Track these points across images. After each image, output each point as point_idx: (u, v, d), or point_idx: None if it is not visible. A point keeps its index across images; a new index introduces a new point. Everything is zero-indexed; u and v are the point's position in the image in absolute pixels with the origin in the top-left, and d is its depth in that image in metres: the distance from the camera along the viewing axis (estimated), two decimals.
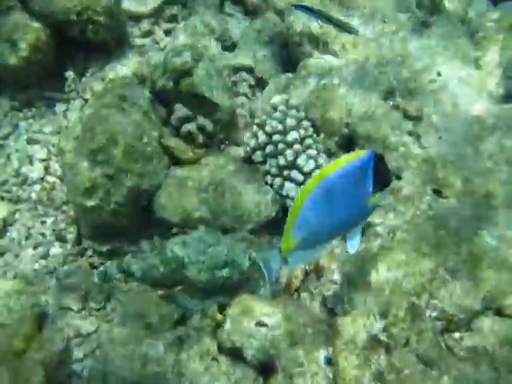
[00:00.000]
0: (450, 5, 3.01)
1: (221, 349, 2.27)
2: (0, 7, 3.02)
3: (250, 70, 3.36)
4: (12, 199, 2.92)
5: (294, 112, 2.57)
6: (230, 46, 3.53)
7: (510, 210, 2.28)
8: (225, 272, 2.34)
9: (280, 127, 2.52)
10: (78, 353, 2.45)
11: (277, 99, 2.63)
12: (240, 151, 2.85)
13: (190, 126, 2.76)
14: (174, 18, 3.86)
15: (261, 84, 3.30)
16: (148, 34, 3.81)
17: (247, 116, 3.09)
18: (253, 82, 3.33)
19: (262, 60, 3.34)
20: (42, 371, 2.08)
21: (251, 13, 3.80)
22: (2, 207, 2.87)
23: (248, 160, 2.78)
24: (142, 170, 2.58)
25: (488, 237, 2.21)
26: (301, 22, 2.94)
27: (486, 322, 2.17)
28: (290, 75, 2.94)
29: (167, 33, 3.82)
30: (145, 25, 3.81)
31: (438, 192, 2.40)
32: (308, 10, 2.54)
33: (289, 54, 3.24)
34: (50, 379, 2.13)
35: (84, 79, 3.42)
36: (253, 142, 2.62)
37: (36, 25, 3.06)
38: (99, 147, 2.50)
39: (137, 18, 3.83)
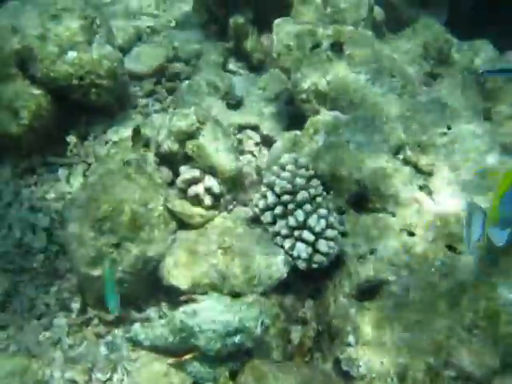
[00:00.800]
0: (458, 55, 3.31)
1: None
2: (0, 75, 3.32)
3: (255, 128, 3.64)
4: (15, 270, 3.14)
5: (303, 171, 2.79)
6: (234, 104, 3.83)
7: None
8: (237, 339, 2.49)
9: (289, 187, 2.74)
10: None
11: (285, 159, 2.86)
12: (248, 211, 3.08)
13: (197, 188, 2.99)
14: (176, 76, 4.18)
15: (267, 141, 3.57)
16: (151, 93, 4.12)
17: (253, 174, 3.33)
18: (259, 140, 3.61)
19: (268, 117, 3.63)
20: None
21: (256, 69, 4.12)
22: (5, 279, 3.09)
23: (256, 221, 2.99)
24: (148, 236, 2.80)
25: (505, 290, 2.40)
26: (308, 79, 3.22)
27: (508, 381, 2.33)
28: (297, 132, 3.19)
29: (170, 91, 4.13)
30: (147, 84, 4.12)
31: (452, 248, 2.61)
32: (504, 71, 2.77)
33: (295, 111, 3.51)
34: None
35: (86, 143, 3.70)
36: (262, 203, 2.84)
37: (37, 92, 3.35)
38: (105, 216, 2.73)
39: (139, 78, 4.14)
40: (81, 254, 2.74)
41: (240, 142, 3.53)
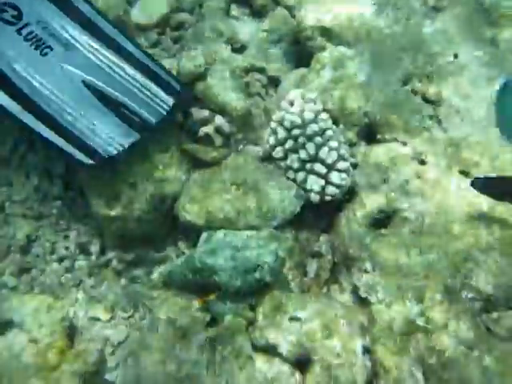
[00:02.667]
0: None
1: (255, 346, 2.31)
2: None
3: (261, 70, 3.44)
4: (34, 216, 3.01)
5: (311, 105, 2.62)
6: (239, 48, 3.62)
7: None
8: (257, 275, 2.37)
9: (299, 121, 2.58)
10: (110, 362, 2.52)
11: (293, 94, 2.69)
12: (259, 150, 2.92)
13: (208, 129, 2.83)
14: (181, 26, 3.96)
15: (274, 83, 3.38)
16: (156, 43, 3.92)
17: (262, 115, 3.16)
18: (266, 82, 3.41)
19: (274, 59, 3.42)
20: (79, 381, 2.16)
21: (259, 14, 3.90)
22: (25, 225, 2.96)
23: (267, 159, 2.84)
24: (163, 175, 2.65)
25: None
26: (312, 16, 3.02)
27: None
28: (304, 70, 3.01)
29: (175, 41, 3.93)
30: (152, 35, 3.91)
31: (464, 173, 2.45)
32: None
33: (301, 50, 3.31)
34: None
35: None
36: (272, 139, 2.68)
37: None
38: None
39: (144, 29, 3.94)
40: (98, 194, 2.57)
41: (247, 84, 3.32)
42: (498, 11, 2.92)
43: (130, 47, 2.63)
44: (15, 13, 2.50)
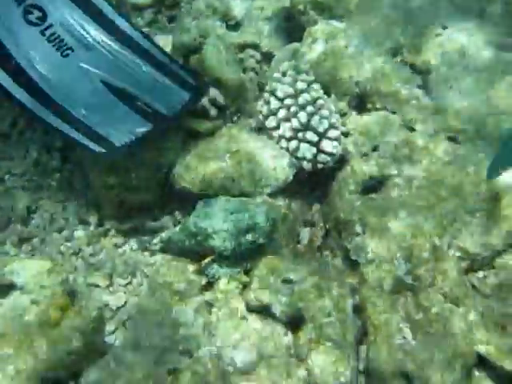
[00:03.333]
0: None
1: (249, 308, 2.36)
2: None
3: (255, 47, 3.50)
4: (33, 188, 3.06)
5: (303, 76, 2.67)
6: (234, 25, 3.66)
7: None
8: (249, 237, 2.41)
9: (291, 91, 2.62)
10: (109, 326, 2.59)
11: (285, 65, 2.74)
12: (253, 122, 2.97)
13: (203, 100, 2.87)
14: (176, 5, 4.00)
15: (268, 59, 3.43)
16: (152, 22, 3.96)
17: (256, 90, 3.21)
18: (260, 58, 3.46)
19: (267, 35, 3.47)
20: (80, 337, 2.22)
21: None
22: (25, 196, 3.01)
23: (261, 130, 2.89)
24: (159, 144, 2.70)
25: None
26: None
27: (510, 260, 2.26)
28: (296, 44, 3.05)
29: (171, 20, 3.97)
30: (148, 14, 3.95)
31: (452, 139, 2.50)
32: None
33: (294, 26, 3.36)
34: (87, 345, 2.26)
35: None
36: (265, 109, 2.73)
37: None
38: None
39: (139, 9, 3.97)
40: (96, 165, 2.61)
41: (241, 60, 3.37)
42: None
43: (147, 45, 2.70)
44: (40, 14, 2.55)
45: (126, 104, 2.60)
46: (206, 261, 2.51)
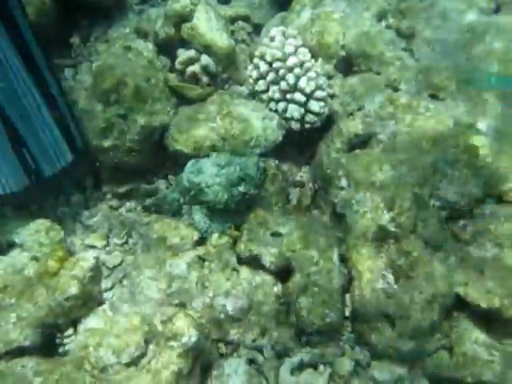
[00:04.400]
0: None
1: (240, 260, 2.49)
2: None
3: (246, 19, 3.62)
4: None
5: (291, 40, 2.79)
6: None
7: (500, 103, 2.51)
8: (241, 188, 2.53)
9: (279, 54, 2.74)
10: (106, 283, 2.70)
11: (274, 31, 2.85)
12: (243, 90, 3.09)
13: (194, 68, 2.99)
14: None
15: (258, 30, 3.55)
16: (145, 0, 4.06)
17: (247, 60, 3.33)
18: (250, 30, 3.58)
19: (258, 7, 3.60)
20: (78, 284, 2.34)
21: None
22: None
23: (252, 96, 3.01)
24: (152, 108, 2.82)
25: (483, 127, 2.43)
26: None
27: (486, 209, 2.38)
28: (284, 13, 3.17)
29: None
30: None
31: (433, 96, 2.62)
32: None
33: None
34: (85, 293, 2.38)
35: (89, 44, 3.67)
36: (255, 73, 2.85)
37: None
38: (110, 88, 2.75)
39: None
40: (91, 127, 2.73)
41: (233, 32, 3.48)
42: None
43: (56, 92, 2.64)
44: None
45: (14, 150, 2.46)
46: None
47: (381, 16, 2.91)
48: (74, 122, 2.71)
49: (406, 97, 2.62)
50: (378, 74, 2.75)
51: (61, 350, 2.32)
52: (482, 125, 2.42)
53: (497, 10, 2.91)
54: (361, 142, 2.67)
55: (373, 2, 2.93)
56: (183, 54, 3.01)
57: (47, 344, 2.32)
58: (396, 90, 2.68)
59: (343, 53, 2.84)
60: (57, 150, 2.62)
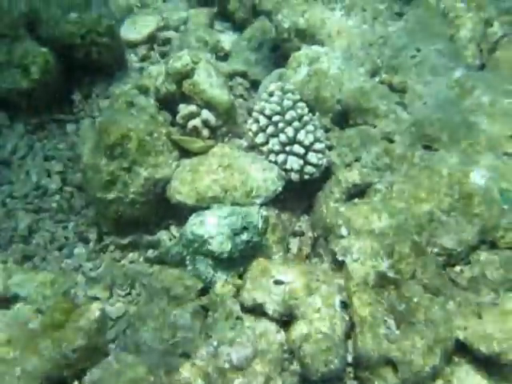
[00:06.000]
0: None
1: (244, 308, 2.55)
2: (10, 36, 3.43)
3: (244, 75, 3.79)
4: (34, 209, 3.26)
5: (289, 95, 2.93)
6: (223, 56, 3.96)
7: (491, 153, 2.64)
8: (244, 236, 2.60)
9: (278, 109, 2.88)
10: (110, 334, 2.75)
11: (273, 86, 3.00)
12: (243, 142, 3.21)
13: (195, 122, 3.12)
14: (167, 42, 4.29)
15: (256, 86, 3.71)
16: (145, 58, 4.23)
17: (245, 114, 3.47)
18: (248, 85, 3.74)
19: (255, 64, 3.77)
20: (84, 336, 2.38)
21: (240, 28, 4.26)
22: (26, 217, 3.21)
23: (251, 149, 3.13)
24: (155, 161, 2.93)
25: (477, 176, 2.55)
26: (288, 20, 3.37)
27: (482, 256, 2.48)
28: (282, 69, 3.33)
29: (163, 55, 4.25)
30: (141, 50, 4.23)
31: (427, 147, 2.75)
32: None
33: (280, 56, 3.65)
34: (91, 345, 2.42)
35: (90, 100, 3.82)
36: (254, 126, 2.97)
37: (44, 49, 3.47)
38: (115, 143, 2.86)
39: (134, 46, 4.26)
40: (96, 180, 2.82)
41: (231, 88, 3.63)
42: (454, 12, 3.27)
43: None
44: None
45: None
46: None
47: (374, 72, 3.06)
48: None
49: (401, 148, 2.74)
50: (374, 126, 2.87)
51: None
52: (475, 174, 2.50)
53: (482, 67, 3.06)
54: (359, 191, 2.75)
55: (366, 59, 3.08)
56: (184, 109, 3.13)
57: None
58: (391, 141, 2.80)
59: (339, 107, 2.96)
60: None
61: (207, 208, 2.82)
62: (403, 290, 2.36)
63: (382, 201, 2.62)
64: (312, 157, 2.83)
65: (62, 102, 3.75)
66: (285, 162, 2.89)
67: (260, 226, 2.56)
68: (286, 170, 2.90)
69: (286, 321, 2.51)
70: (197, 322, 2.58)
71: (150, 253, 2.97)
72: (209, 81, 3.12)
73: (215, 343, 2.47)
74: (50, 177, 3.41)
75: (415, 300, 2.33)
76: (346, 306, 2.51)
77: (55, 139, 3.65)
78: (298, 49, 3.30)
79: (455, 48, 3.17)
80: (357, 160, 2.82)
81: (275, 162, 2.93)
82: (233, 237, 2.56)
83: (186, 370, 2.27)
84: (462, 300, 2.37)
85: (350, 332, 2.48)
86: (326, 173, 2.93)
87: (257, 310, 2.51)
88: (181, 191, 2.87)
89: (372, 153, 2.79)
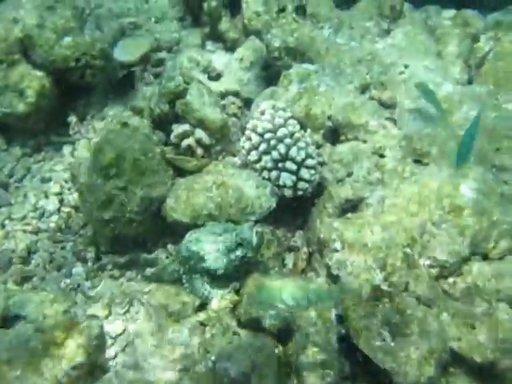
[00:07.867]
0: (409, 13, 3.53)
1: (240, 324, 2.57)
2: (6, 61, 3.48)
3: (236, 94, 3.83)
4: (33, 231, 3.29)
5: (281, 113, 2.97)
6: (215, 76, 4.01)
7: (481, 166, 2.68)
8: (239, 252, 2.62)
9: (270, 126, 2.91)
10: (109, 352, 2.76)
11: (264, 105, 3.04)
12: (236, 161, 3.25)
13: (189, 141, 3.16)
14: (161, 62, 4.34)
15: (248, 104, 3.75)
16: (139, 79, 4.27)
17: (239, 132, 3.51)
18: (240, 104, 3.79)
19: (247, 83, 3.81)
20: (84, 353, 2.40)
21: (231, 48, 4.31)
22: (24, 238, 3.23)
23: (244, 166, 3.16)
24: (151, 180, 2.96)
25: (466, 189, 2.58)
26: (278, 39, 3.42)
27: (474, 267, 2.51)
28: (273, 88, 3.38)
29: (156, 76, 4.30)
30: (135, 72, 4.27)
31: (417, 161, 2.79)
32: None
33: (271, 74, 3.70)
34: (91, 362, 2.44)
35: (85, 122, 3.85)
36: (247, 144, 3.01)
37: (40, 73, 3.51)
38: (110, 163, 2.89)
39: (127, 67, 4.30)
40: (92, 200, 2.84)
41: (224, 107, 3.67)
42: (441, 28, 3.33)
43: None
44: None
45: None
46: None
47: (363, 88, 3.10)
48: None
49: (392, 163, 2.77)
50: (364, 141, 2.90)
51: None
52: (464, 187, 2.54)
53: (470, 81, 3.11)
54: (351, 206, 2.78)
55: (355, 76, 3.12)
56: (178, 129, 3.16)
57: None
58: (382, 156, 2.83)
59: (330, 123, 3.00)
60: None
61: (202, 225, 2.82)
62: (397, 302, 2.37)
63: (375, 215, 2.63)
64: (304, 173, 2.86)
65: (58, 124, 3.78)
66: (278, 178, 2.92)
67: (254, 241, 2.57)
68: (279, 187, 2.93)
69: (282, 335, 2.50)
70: (195, 338, 2.58)
71: (148, 271, 2.96)
72: (201, 100, 3.16)
73: (213, 358, 2.48)
74: (48, 198, 3.41)
75: (409, 312, 2.34)
76: (341, 319, 2.52)
77: (52, 161, 3.67)
78: (289, 67, 3.33)
79: (443, 64, 3.20)
80: (349, 175, 2.85)
81: (268, 179, 2.95)
82: (227, 253, 2.58)
83: None
84: (456, 311, 2.38)
85: (346, 345, 2.49)
86: (319, 188, 2.95)
87: (254, 325, 2.51)
88: (176, 209, 2.89)
89: (363, 168, 2.82)
